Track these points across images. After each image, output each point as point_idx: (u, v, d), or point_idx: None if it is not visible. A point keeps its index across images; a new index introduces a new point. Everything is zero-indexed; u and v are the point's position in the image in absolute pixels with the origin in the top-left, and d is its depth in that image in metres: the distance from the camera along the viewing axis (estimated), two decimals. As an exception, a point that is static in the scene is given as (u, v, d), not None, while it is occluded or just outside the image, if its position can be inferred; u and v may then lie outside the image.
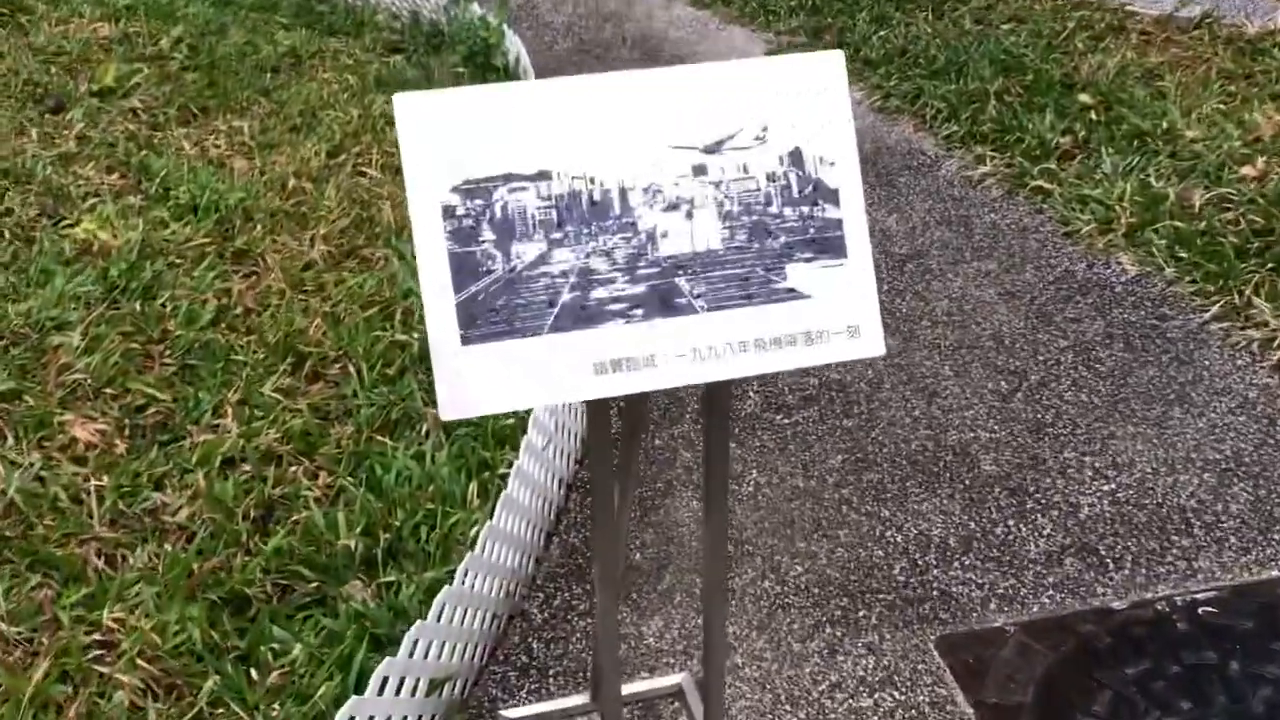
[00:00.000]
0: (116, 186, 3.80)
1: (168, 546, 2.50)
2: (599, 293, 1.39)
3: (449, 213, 1.36)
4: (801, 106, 1.44)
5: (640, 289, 1.40)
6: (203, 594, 2.39)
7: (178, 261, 3.38)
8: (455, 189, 1.36)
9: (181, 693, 2.23)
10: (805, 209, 1.44)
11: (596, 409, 1.51)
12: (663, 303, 1.40)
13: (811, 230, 1.44)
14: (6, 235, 3.40)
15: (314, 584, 2.40)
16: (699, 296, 1.41)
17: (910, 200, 4.39)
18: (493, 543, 2.34)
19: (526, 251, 1.38)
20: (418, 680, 2.07)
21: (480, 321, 1.36)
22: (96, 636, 2.26)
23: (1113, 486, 2.89)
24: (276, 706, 2.18)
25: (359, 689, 2.17)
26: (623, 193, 1.40)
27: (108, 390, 2.81)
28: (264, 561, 2.44)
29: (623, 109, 1.39)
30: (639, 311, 1.40)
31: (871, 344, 1.45)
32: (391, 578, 2.40)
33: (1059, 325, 3.56)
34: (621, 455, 1.82)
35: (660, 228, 1.41)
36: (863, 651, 2.44)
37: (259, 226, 3.66)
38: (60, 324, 2.96)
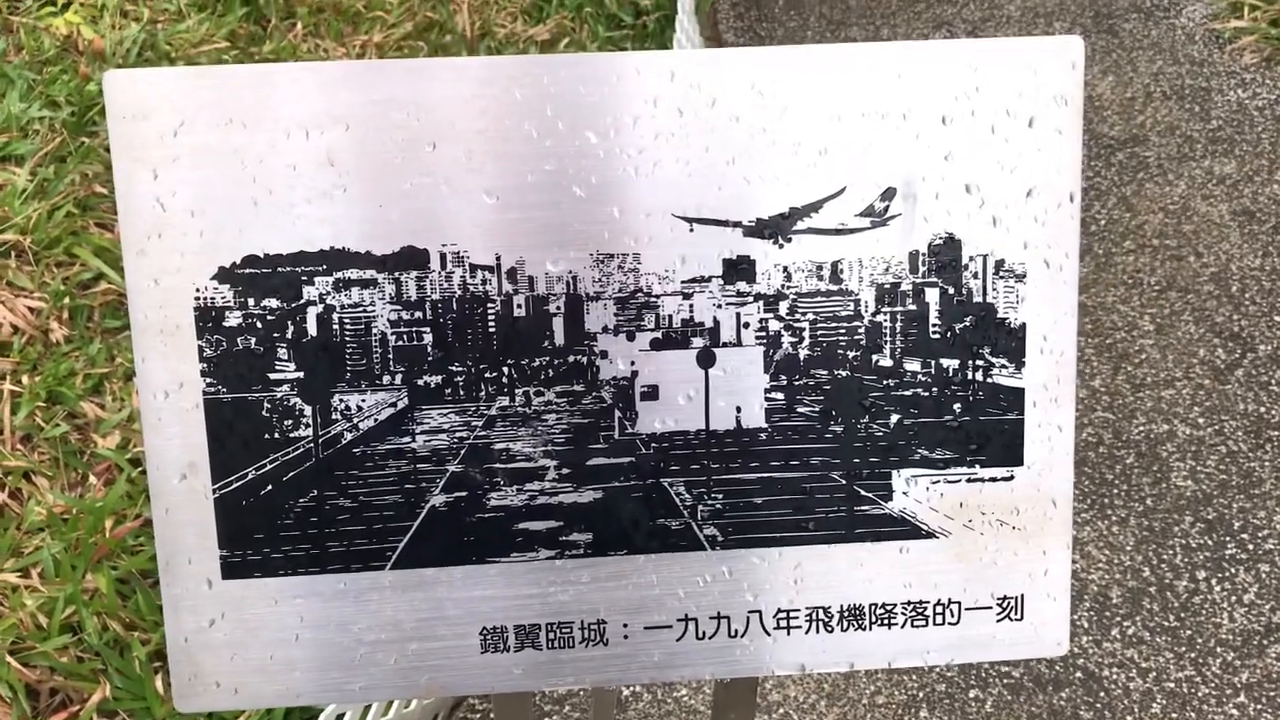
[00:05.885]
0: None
1: (93, 479, 1.96)
2: (506, 498, 0.69)
3: (208, 318, 0.67)
4: (981, 147, 0.68)
5: (590, 496, 0.70)
6: (117, 558, 1.86)
7: (187, 69, 2.71)
8: (225, 273, 0.66)
9: (67, 700, 1.73)
10: (950, 363, 0.70)
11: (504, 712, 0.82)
12: (633, 526, 0.70)
13: (958, 407, 0.70)
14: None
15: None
16: (709, 520, 0.70)
17: (1133, 57, 3.40)
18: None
19: (366, 408, 0.68)
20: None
21: (260, 537, 0.68)
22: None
23: (1355, 540, 2.10)
24: (183, 733, 1.66)
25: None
26: (572, 304, 0.68)
27: (50, 254, 2.22)
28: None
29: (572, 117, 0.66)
30: (583, 539, 0.70)
31: (1045, 637, 0.73)
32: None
33: (1311, 270, 2.66)
34: None
35: (643, 379, 0.69)
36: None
37: (298, 26, 2.95)
38: (8, 155, 2.34)
